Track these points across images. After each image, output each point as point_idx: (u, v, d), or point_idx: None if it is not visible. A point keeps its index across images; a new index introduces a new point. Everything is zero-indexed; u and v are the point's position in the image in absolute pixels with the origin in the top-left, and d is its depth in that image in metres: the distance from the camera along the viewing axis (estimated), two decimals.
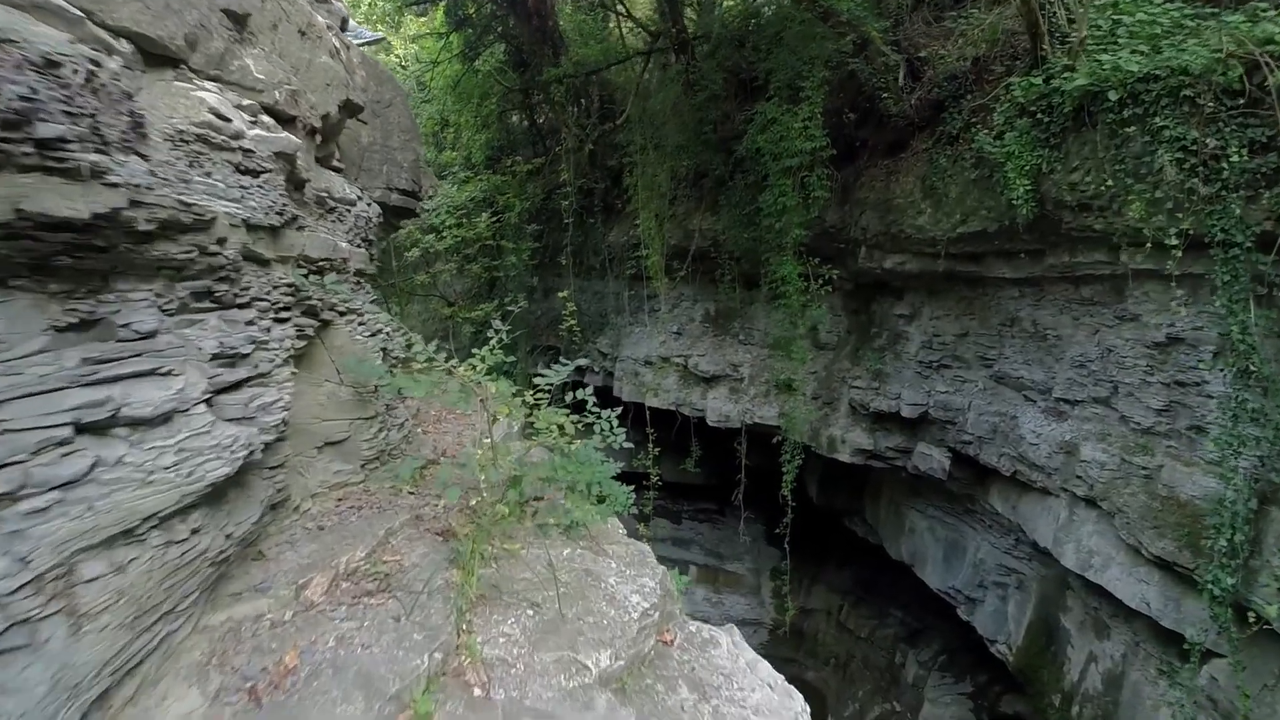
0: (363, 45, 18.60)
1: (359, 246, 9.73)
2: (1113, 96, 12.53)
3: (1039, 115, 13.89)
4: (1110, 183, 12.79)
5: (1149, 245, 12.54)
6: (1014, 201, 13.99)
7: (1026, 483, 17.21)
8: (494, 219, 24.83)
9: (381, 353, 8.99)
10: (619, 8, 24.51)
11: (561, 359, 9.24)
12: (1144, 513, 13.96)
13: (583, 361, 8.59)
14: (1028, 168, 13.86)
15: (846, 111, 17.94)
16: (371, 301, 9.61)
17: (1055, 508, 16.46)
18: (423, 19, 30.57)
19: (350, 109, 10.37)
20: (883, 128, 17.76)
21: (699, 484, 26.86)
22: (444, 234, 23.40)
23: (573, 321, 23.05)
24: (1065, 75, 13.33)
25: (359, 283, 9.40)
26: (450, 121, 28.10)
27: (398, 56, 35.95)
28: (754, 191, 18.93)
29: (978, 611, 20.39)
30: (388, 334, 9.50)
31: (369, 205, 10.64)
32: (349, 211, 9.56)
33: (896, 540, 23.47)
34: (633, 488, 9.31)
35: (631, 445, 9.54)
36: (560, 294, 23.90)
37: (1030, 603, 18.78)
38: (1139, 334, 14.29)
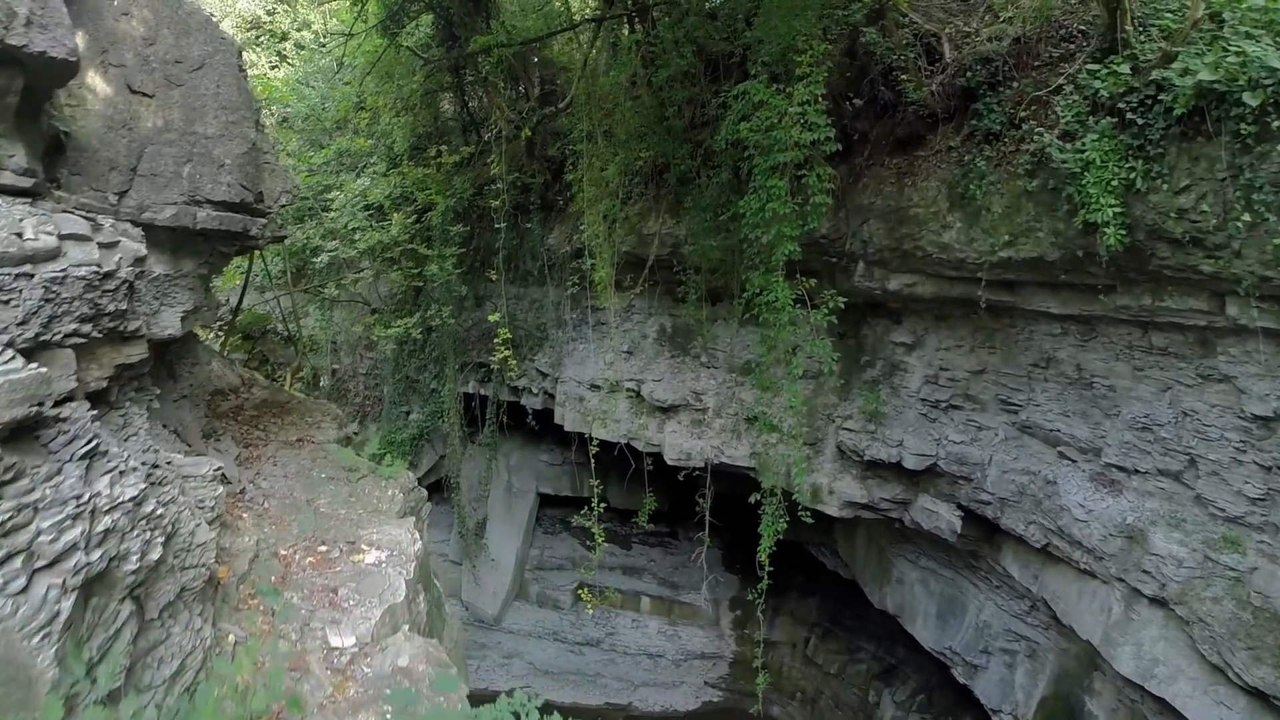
0: None
1: (61, 343, 5.54)
2: (1250, 101, 8.66)
3: (1130, 115, 9.86)
4: (1246, 217, 8.93)
5: None
6: (1102, 226, 9.95)
7: (1062, 558, 13.50)
8: (414, 220, 20.30)
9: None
10: None
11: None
12: (1233, 627, 10.73)
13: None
14: (1115, 183, 9.82)
15: (850, 97, 13.69)
16: (87, 452, 4.92)
17: (1104, 597, 12.96)
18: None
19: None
20: (889, 118, 13.67)
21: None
22: (356, 238, 18.89)
23: (507, 353, 18.66)
24: (1172, 67, 9.39)
25: None
26: (366, 104, 23.42)
27: (316, 33, 31.12)
28: (728, 192, 14.86)
29: (979, 677, 17.17)
30: (87, 535, 4.76)
31: (109, 249, 6.31)
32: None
33: (880, 588, 19.87)
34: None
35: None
36: (492, 315, 19.44)
37: (1044, 675, 15.64)
38: (1231, 400, 10.84)
